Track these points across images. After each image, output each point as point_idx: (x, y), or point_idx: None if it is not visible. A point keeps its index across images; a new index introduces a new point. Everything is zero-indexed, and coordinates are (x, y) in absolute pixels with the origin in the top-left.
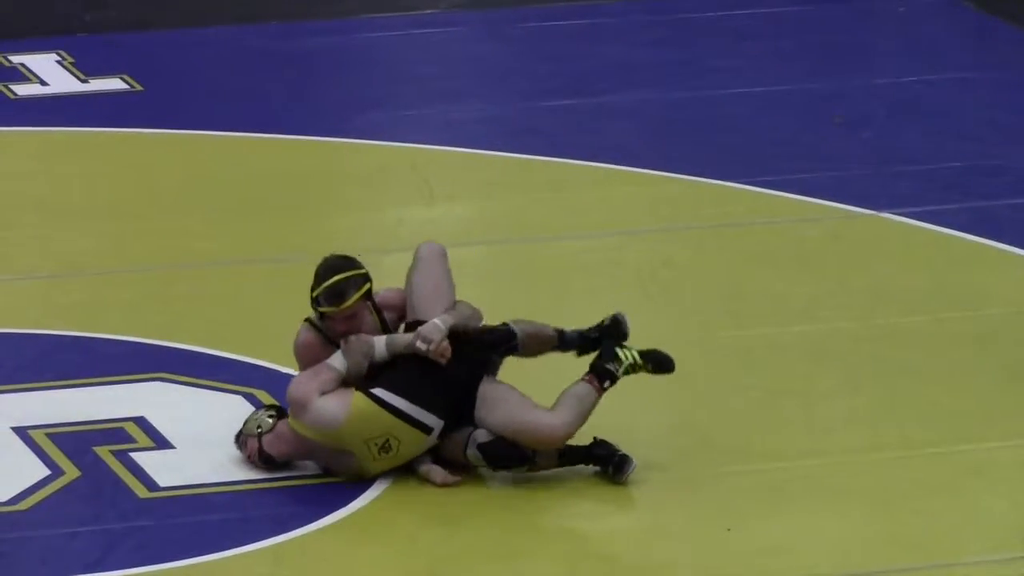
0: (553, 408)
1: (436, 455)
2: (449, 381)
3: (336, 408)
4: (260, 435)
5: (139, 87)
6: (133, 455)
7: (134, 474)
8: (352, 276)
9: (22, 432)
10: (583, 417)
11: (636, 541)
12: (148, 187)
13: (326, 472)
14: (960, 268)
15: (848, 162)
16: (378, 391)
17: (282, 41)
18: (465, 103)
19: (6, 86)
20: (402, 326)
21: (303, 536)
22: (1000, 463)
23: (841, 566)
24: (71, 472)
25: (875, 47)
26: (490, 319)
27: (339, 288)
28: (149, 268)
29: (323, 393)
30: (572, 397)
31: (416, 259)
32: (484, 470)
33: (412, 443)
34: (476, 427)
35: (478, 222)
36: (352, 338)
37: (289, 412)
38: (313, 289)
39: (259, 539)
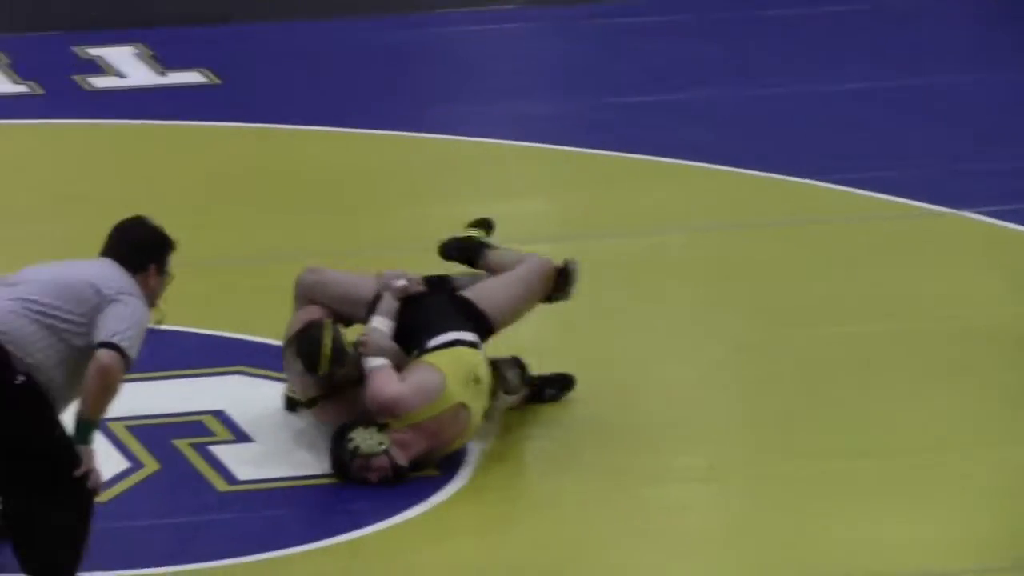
0: (519, 263)
1: None
2: (442, 301)
3: (427, 376)
4: (386, 451)
5: (217, 80)
6: (212, 448)
7: (213, 467)
8: (332, 333)
9: (102, 425)
10: None
11: (711, 539)
12: (225, 180)
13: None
14: None
15: (926, 160)
16: (429, 344)
17: (358, 36)
18: (537, 98)
19: (84, 78)
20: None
21: (380, 531)
22: None
23: (916, 566)
24: (151, 465)
25: (956, 45)
26: (559, 318)
27: (336, 347)
28: (228, 261)
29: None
30: (503, 256)
31: (308, 284)
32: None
33: (482, 364)
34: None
35: (549, 217)
36: (363, 338)
37: (389, 417)
38: (317, 370)
39: (336, 534)
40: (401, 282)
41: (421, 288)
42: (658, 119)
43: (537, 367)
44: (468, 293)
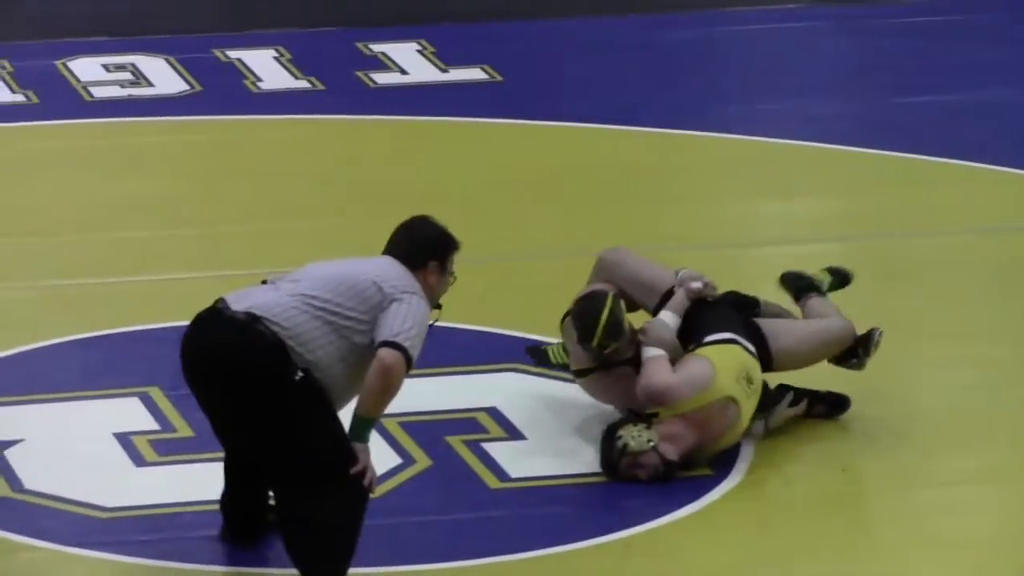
0: (824, 316)
1: None
2: (732, 311)
3: (698, 366)
4: (655, 447)
5: (499, 77)
6: (485, 445)
7: (485, 464)
8: (612, 304)
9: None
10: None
11: (984, 541)
12: (505, 177)
13: (685, 464)
14: None
15: None
16: (705, 340)
17: (641, 33)
18: (823, 98)
19: (366, 74)
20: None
21: (652, 529)
22: None
23: None
24: (423, 461)
25: None
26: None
27: (614, 320)
28: (505, 258)
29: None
30: (822, 305)
31: (608, 263)
32: None
33: (755, 368)
34: None
35: (835, 218)
36: (646, 326)
37: (657, 406)
38: (591, 339)
39: (608, 532)
40: (696, 284)
41: (715, 293)
42: (946, 119)
43: (814, 367)
44: (764, 326)
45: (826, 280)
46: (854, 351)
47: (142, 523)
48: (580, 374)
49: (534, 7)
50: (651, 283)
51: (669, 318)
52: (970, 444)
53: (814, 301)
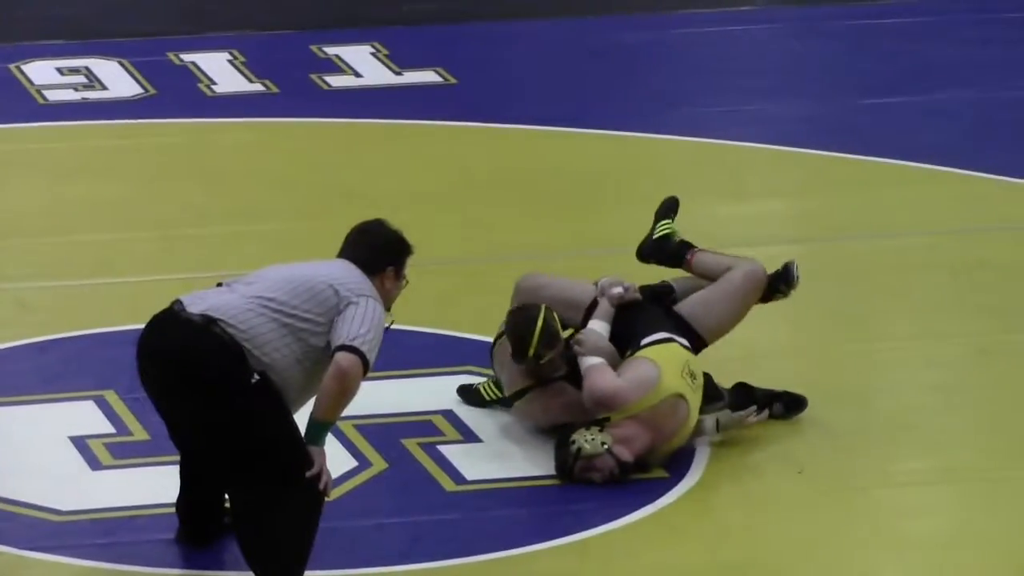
0: (730, 270)
1: None
2: (658, 308)
3: (643, 368)
4: (609, 450)
5: (453, 80)
6: (441, 448)
7: (441, 467)
8: (545, 314)
9: None
10: None
11: (940, 542)
12: (458, 180)
13: (640, 466)
14: None
15: None
16: (643, 343)
17: (596, 35)
18: (781, 100)
19: (320, 77)
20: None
21: (609, 532)
22: None
23: None
24: (379, 464)
25: None
26: (794, 319)
27: (549, 329)
28: (457, 261)
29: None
30: (715, 260)
31: (527, 288)
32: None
33: (696, 362)
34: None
35: (790, 220)
36: (580, 336)
37: (607, 411)
38: (527, 350)
39: (565, 534)
40: (618, 289)
41: (637, 296)
42: (901, 122)
43: (770, 368)
44: (684, 310)
45: (673, 228)
46: (775, 287)
47: (98, 526)
48: (516, 396)
49: (488, 9)
50: (573, 299)
51: (599, 326)
52: (927, 445)
53: (701, 259)
